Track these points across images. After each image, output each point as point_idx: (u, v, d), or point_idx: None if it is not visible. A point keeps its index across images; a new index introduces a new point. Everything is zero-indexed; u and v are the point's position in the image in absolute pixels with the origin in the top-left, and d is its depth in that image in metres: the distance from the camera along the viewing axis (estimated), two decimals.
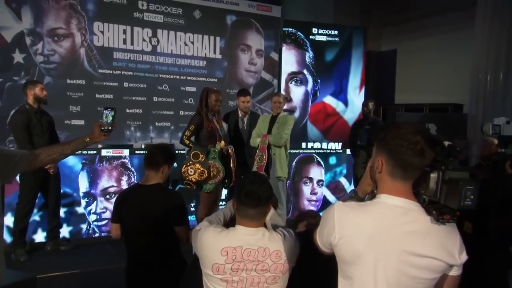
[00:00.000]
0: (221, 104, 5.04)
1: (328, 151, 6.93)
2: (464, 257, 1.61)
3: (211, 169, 4.38)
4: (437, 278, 1.61)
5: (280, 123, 5.05)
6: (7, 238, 4.62)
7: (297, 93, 7.78)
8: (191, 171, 4.21)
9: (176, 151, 4.82)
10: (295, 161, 6.38)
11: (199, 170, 4.23)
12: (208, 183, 4.45)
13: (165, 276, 2.82)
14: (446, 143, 2.05)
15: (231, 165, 4.71)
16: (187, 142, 4.59)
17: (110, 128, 2.49)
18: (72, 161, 4.87)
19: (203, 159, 4.29)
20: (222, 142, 4.64)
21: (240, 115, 5.50)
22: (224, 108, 6.42)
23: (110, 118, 2.51)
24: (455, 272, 1.61)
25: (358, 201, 1.74)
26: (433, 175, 1.58)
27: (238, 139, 5.36)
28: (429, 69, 8.20)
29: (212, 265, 2.04)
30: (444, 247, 1.56)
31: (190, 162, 4.25)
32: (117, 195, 3.34)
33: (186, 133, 4.64)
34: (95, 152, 5.35)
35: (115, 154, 5.36)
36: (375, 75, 9.05)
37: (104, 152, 5.33)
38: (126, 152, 5.29)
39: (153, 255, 2.83)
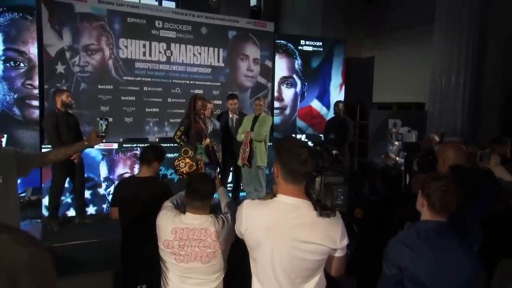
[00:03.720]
0: (212, 109, 5.13)
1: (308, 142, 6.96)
2: (345, 242, 1.69)
3: (199, 162, 4.39)
4: (323, 259, 1.69)
5: (260, 122, 5.12)
6: (45, 213, 4.84)
7: (287, 94, 8.05)
8: (182, 165, 4.18)
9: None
10: None
11: (189, 164, 4.20)
12: None
13: (151, 249, 2.79)
14: (334, 152, 2.25)
15: (218, 158, 4.81)
16: (178, 140, 4.59)
17: (103, 134, 2.62)
18: (94, 152, 5.05)
19: (192, 155, 4.28)
20: (208, 140, 4.65)
21: (230, 116, 5.58)
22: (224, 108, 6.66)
23: (104, 127, 2.62)
24: (339, 254, 1.70)
25: (273, 197, 1.77)
26: (318, 179, 1.66)
27: (228, 135, 5.46)
28: (398, 73, 8.28)
29: (163, 241, 2.17)
30: (327, 235, 1.64)
31: (181, 157, 4.23)
32: (116, 184, 3.45)
33: (177, 133, 4.64)
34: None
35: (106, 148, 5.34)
36: (356, 78, 9.16)
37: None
38: (115, 145, 5.32)
39: (143, 232, 2.76)
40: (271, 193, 1.87)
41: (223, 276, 2.29)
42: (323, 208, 1.62)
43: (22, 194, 5.54)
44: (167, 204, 2.41)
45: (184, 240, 2.14)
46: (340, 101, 6.48)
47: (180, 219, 2.19)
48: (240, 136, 5.17)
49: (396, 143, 5.89)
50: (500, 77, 6.73)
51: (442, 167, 2.69)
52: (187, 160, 4.26)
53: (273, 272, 1.64)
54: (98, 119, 2.68)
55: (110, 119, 2.80)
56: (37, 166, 2.60)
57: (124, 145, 5.39)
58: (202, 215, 2.21)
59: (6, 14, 5.74)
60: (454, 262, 1.80)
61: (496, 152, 4.34)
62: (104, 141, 2.83)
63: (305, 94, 8.10)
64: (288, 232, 1.62)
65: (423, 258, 1.80)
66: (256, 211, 1.70)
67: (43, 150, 4.72)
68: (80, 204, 4.87)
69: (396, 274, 1.84)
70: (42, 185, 4.86)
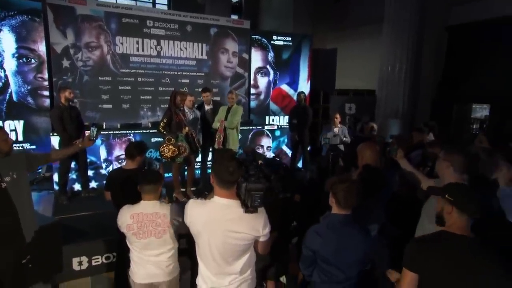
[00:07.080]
0: (193, 101, 5.22)
1: (274, 126, 6.91)
2: (267, 230, 1.90)
3: (180, 148, 4.54)
4: (250, 243, 1.91)
5: (232, 113, 5.19)
6: (56, 187, 5.03)
7: (262, 82, 8.24)
8: (166, 150, 4.43)
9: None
10: (250, 134, 6.53)
11: (172, 149, 4.42)
12: (179, 158, 4.66)
13: None
14: (260, 162, 2.54)
15: (195, 142, 4.90)
16: (162, 130, 4.63)
17: (94, 138, 2.91)
18: None
19: (174, 142, 4.44)
20: (187, 128, 4.67)
21: (206, 107, 5.50)
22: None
23: (95, 132, 2.89)
24: (262, 239, 1.92)
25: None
26: (244, 185, 1.80)
27: (206, 123, 5.49)
28: (356, 64, 8.53)
29: (126, 225, 2.40)
30: (252, 227, 1.85)
31: (165, 144, 4.43)
32: (107, 174, 3.61)
33: (161, 124, 4.65)
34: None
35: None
36: (321, 67, 9.33)
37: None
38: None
39: None
40: (212, 193, 1.99)
41: (175, 249, 2.53)
42: (247, 207, 1.82)
43: (39, 171, 5.81)
44: None
45: (141, 222, 2.40)
46: (302, 92, 6.64)
47: (137, 207, 2.45)
48: (216, 124, 5.29)
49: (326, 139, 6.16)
50: (433, 71, 7.08)
51: (361, 162, 3.01)
52: (170, 146, 4.49)
53: (211, 254, 1.90)
54: (91, 127, 2.92)
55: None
56: (43, 164, 2.93)
57: (105, 131, 5.49)
58: (153, 200, 2.45)
59: (17, 17, 5.80)
60: (353, 244, 2.10)
61: (416, 139, 4.75)
62: (102, 132, 3.03)
63: (277, 82, 8.31)
64: (222, 225, 1.83)
65: (329, 243, 2.09)
66: (196, 209, 1.90)
67: (51, 138, 5.00)
68: (85, 180, 5.11)
69: (311, 255, 2.15)
70: (53, 165, 5.09)
